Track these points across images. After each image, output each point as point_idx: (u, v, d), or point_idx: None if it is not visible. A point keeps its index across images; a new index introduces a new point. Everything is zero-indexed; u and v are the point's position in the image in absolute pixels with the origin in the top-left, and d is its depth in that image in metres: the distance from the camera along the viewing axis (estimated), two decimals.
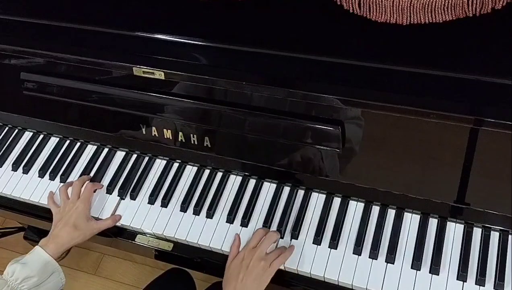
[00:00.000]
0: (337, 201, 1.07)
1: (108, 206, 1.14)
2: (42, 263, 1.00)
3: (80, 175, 1.20)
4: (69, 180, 1.20)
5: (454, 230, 1.00)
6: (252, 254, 0.98)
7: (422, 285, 0.95)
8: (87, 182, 1.15)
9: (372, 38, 0.95)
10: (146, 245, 1.11)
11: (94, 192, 1.15)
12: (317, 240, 1.02)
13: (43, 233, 1.65)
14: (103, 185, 1.17)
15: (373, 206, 1.05)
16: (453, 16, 0.86)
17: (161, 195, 1.14)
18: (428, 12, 0.86)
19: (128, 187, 1.17)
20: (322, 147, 0.98)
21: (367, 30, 0.92)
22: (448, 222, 1.01)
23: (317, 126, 0.96)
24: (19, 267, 0.97)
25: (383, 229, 1.02)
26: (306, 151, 1.02)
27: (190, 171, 1.17)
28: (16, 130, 1.32)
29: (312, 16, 0.99)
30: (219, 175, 1.15)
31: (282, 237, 1.04)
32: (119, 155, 1.23)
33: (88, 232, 1.07)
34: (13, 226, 1.82)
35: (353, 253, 1.00)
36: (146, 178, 1.18)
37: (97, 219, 1.12)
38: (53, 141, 1.28)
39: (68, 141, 1.27)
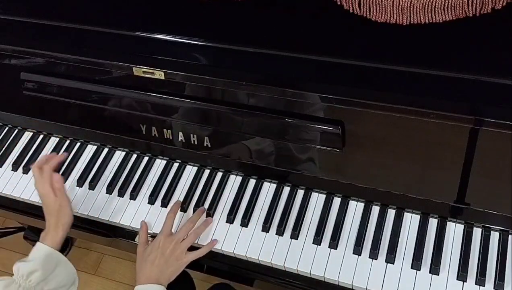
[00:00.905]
0: (337, 201, 1.07)
1: (108, 206, 1.14)
2: (43, 255, 0.99)
3: (81, 175, 1.20)
4: (69, 180, 1.20)
5: (454, 230, 1.00)
6: (169, 241, 1.01)
7: (422, 285, 0.95)
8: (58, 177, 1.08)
9: (372, 38, 0.95)
10: None
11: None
12: (317, 240, 1.02)
13: None
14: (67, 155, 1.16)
15: (373, 206, 1.05)
16: (453, 16, 0.86)
17: (161, 195, 1.14)
18: (428, 12, 0.86)
19: (128, 187, 1.17)
20: (322, 147, 0.98)
21: (367, 30, 0.92)
22: (448, 222, 1.01)
23: (317, 126, 0.96)
24: (22, 265, 0.97)
25: (383, 229, 1.02)
26: (306, 151, 1.02)
27: (190, 171, 1.17)
28: (16, 130, 1.32)
29: (312, 16, 0.99)
30: (219, 175, 1.15)
31: (282, 235, 1.04)
32: (119, 155, 1.23)
33: (66, 202, 1.04)
34: (13, 226, 1.81)
35: (353, 253, 1.00)
36: (146, 178, 1.18)
37: (96, 218, 1.13)
38: (53, 141, 1.28)
39: (68, 141, 1.27)
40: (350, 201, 1.06)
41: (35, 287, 0.96)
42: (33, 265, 0.97)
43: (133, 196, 1.15)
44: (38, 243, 1.02)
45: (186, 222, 1.06)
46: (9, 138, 1.30)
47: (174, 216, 1.08)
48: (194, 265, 1.12)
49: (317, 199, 1.08)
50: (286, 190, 1.10)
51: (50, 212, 1.06)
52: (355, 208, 1.06)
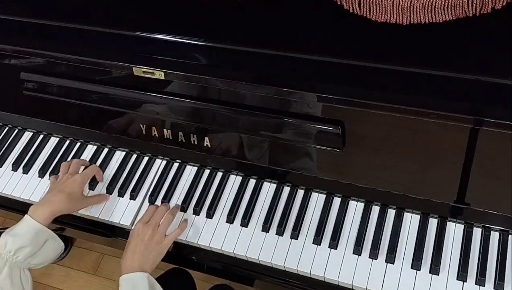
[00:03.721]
0: (337, 201, 1.07)
1: (108, 206, 1.14)
2: (33, 231, 0.99)
3: None
4: None
5: (454, 230, 1.00)
6: (147, 227, 1.02)
7: (422, 285, 0.95)
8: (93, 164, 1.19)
9: (372, 38, 0.95)
10: None
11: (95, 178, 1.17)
12: (317, 240, 1.02)
13: None
14: (102, 180, 1.19)
15: (373, 206, 1.05)
16: (453, 16, 0.86)
17: (161, 195, 1.14)
18: (428, 12, 0.87)
19: (128, 187, 1.17)
20: (322, 147, 0.98)
21: (367, 30, 0.92)
22: (448, 222, 1.01)
23: (317, 126, 0.96)
24: (10, 239, 0.96)
25: (383, 229, 1.02)
26: (306, 151, 1.02)
27: (190, 171, 1.17)
28: (16, 130, 1.32)
29: (312, 16, 0.99)
30: (219, 175, 1.15)
31: (282, 235, 1.04)
32: (119, 155, 1.23)
33: (79, 204, 1.09)
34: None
35: (353, 253, 1.00)
36: (146, 178, 1.18)
37: (96, 218, 1.13)
38: (53, 141, 1.28)
39: (68, 141, 1.27)
40: (350, 201, 1.06)
41: (22, 263, 0.96)
42: (22, 242, 0.96)
43: (133, 196, 1.15)
44: (27, 217, 1.01)
45: (159, 207, 1.08)
46: (9, 138, 1.30)
47: (155, 209, 1.08)
48: (194, 265, 1.13)
49: (317, 199, 1.08)
50: (286, 190, 1.10)
51: (49, 189, 1.08)
52: (355, 208, 1.06)
